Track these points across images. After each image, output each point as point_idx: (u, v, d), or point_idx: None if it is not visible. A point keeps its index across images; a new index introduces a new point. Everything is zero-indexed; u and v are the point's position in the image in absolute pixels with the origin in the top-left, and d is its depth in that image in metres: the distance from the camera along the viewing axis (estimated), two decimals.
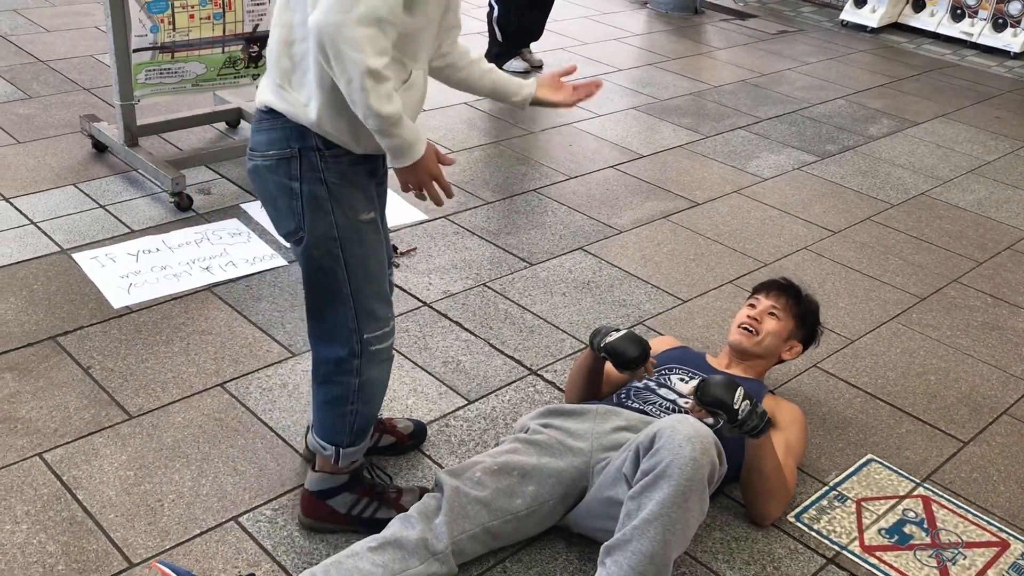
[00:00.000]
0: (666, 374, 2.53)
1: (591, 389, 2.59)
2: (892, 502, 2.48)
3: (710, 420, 2.20)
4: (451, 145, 4.36)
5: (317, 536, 2.19)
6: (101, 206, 3.53)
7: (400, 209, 3.67)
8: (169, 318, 2.94)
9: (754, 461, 2.30)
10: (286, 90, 1.88)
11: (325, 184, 1.89)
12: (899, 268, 3.67)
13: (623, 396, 2.46)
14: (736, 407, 2.15)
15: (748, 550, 2.28)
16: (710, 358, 2.66)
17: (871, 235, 3.92)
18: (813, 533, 2.35)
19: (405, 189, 1.96)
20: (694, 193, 4.14)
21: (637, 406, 2.39)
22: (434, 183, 1.96)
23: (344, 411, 2.09)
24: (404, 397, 2.68)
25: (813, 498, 2.46)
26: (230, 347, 2.82)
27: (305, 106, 1.85)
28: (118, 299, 2.99)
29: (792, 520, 2.38)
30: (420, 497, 2.17)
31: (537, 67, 5.48)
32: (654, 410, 2.37)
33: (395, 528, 2.07)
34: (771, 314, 2.63)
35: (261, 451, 2.43)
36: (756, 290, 2.74)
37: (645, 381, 2.51)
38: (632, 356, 2.39)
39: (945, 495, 2.51)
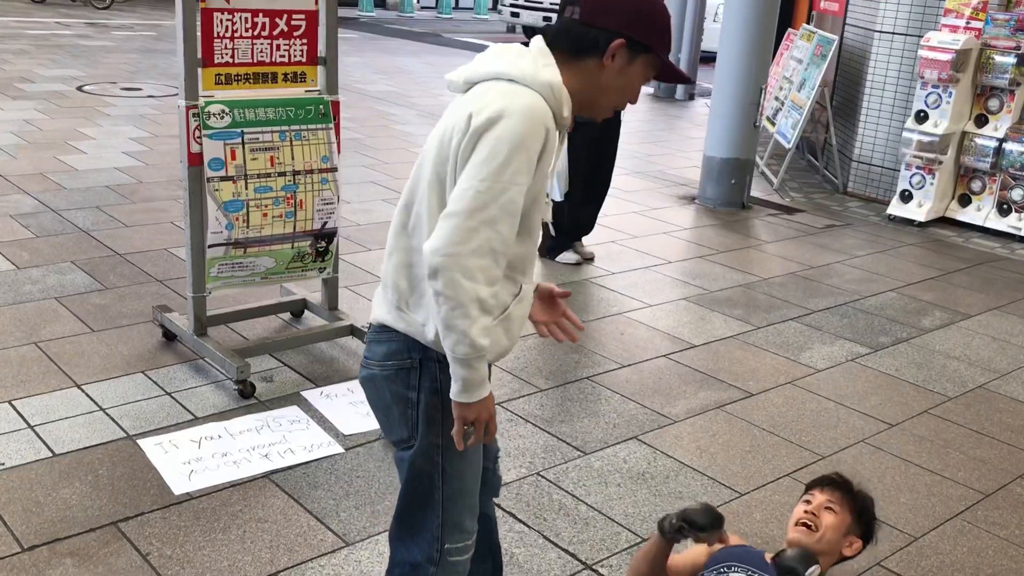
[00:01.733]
0: (725, 571, 2.48)
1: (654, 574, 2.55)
2: None
3: None
4: None
5: None
6: (168, 393, 3.64)
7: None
8: (227, 505, 2.97)
9: None
10: (403, 311, 1.96)
11: (440, 395, 1.93)
12: (960, 463, 3.60)
13: None
14: (805, 572, 2.21)
15: None
16: (768, 557, 2.61)
17: (929, 428, 3.87)
18: None
19: (458, 426, 1.91)
20: (747, 383, 4.15)
21: None
22: (491, 422, 1.95)
23: None
24: None
25: None
26: (285, 535, 2.84)
27: (423, 326, 1.92)
28: (179, 485, 3.04)
29: None
30: None
31: (589, 259, 5.65)
32: None
33: None
34: (828, 508, 2.59)
35: None
36: (810, 486, 2.71)
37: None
38: (708, 521, 2.43)
39: None
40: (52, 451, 3.20)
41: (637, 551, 2.60)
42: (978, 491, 3.41)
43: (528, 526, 2.98)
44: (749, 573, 2.46)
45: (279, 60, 3.75)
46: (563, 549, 2.88)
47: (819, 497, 2.63)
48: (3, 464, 3.10)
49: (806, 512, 2.60)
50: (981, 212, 7.02)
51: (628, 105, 2.02)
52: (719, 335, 4.70)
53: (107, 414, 3.46)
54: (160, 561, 2.68)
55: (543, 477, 3.26)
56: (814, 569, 2.21)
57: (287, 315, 4.43)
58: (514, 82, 1.85)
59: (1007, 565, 2.98)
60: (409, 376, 1.95)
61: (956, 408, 4.08)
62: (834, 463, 3.50)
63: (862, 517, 2.64)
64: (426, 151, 1.95)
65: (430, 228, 1.85)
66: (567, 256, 5.59)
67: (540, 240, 2.07)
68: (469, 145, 1.80)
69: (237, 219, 3.66)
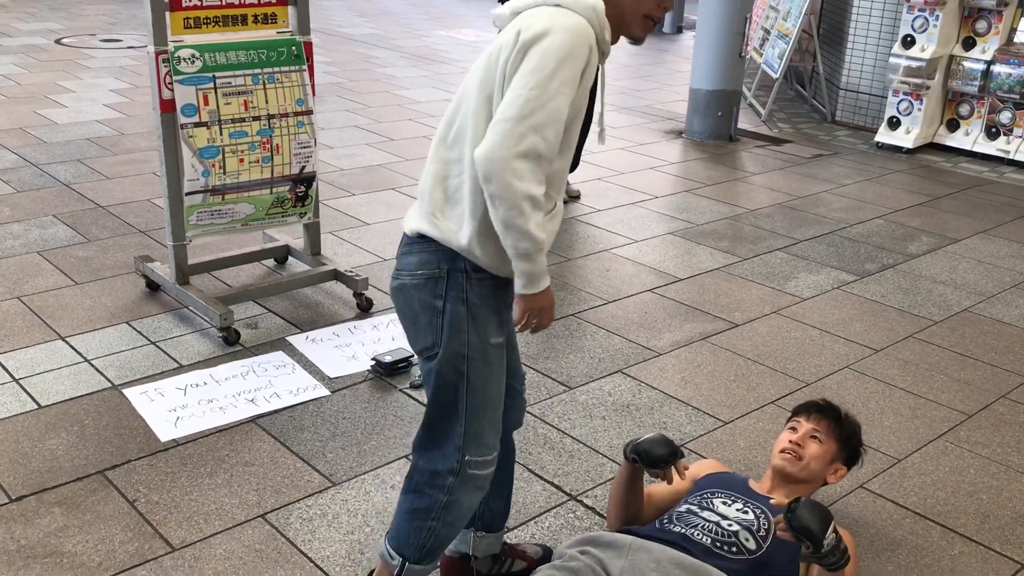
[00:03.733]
0: (708, 497, 2.50)
1: (631, 508, 2.57)
2: None
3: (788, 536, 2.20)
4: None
5: None
6: (152, 342, 3.65)
7: None
8: (214, 450, 2.99)
9: None
10: (438, 218, 2.04)
11: (466, 304, 2.03)
12: (944, 385, 3.62)
13: (665, 520, 2.43)
14: (824, 540, 2.14)
15: None
16: (753, 483, 2.63)
17: (914, 353, 3.88)
18: None
19: (520, 317, 2.05)
20: (733, 314, 4.16)
21: (679, 530, 2.36)
22: (550, 311, 2.08)
23: (423, 525, 2.13)
24: None
25: None
26: (272, 478, 2.86)
27: (456, 232, 2.01)
28: (165, 432, 3.06)
29: None
30: None
31: (574, 197, 5.62)
32: (696, 533, 2.34)
33: None
34: (813, 438, 2.60)
35: None
36: (796, 412, 2.72)
37: (687, 505, 2.49)
38: (660, 454, 2.44)
39: None
40: (38, 403, 3.21)
41: (615, 478, 2.62)
42: (961, 412, 3.43)
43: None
44: (733, 500, 2.48)
45: (249, 1, 3.68)
46: (548, 481, 2.91)
47: (805, 425, 2.64)
48: None
49: (791, 441, 2.61)
50: (969, 136, 6.98)
51: (662, 15, 2.09)
52: (705, 268, 4.70)
53: (92, 365, 3.46)
54: (147, 507, 2.70)
55: (528, 412, 3.28)
56: (832, 526, 2.14)
57: (271, 262, 4.42)
58: (560, 7, 1.93)
59: (987, 482, 3.01)
60: (437, 285, 2.02)
61: (941, 332, 4.09)
62: (818, 389, 3.52)
63: (848, 444, 2.66)
64: (472, 71, 2.03)
65: (474, 141, 1.94)
66: None
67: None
68: (518, 58, 1.89)
69: (213, 165, 3.63)
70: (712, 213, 5.54)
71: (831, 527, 2.16)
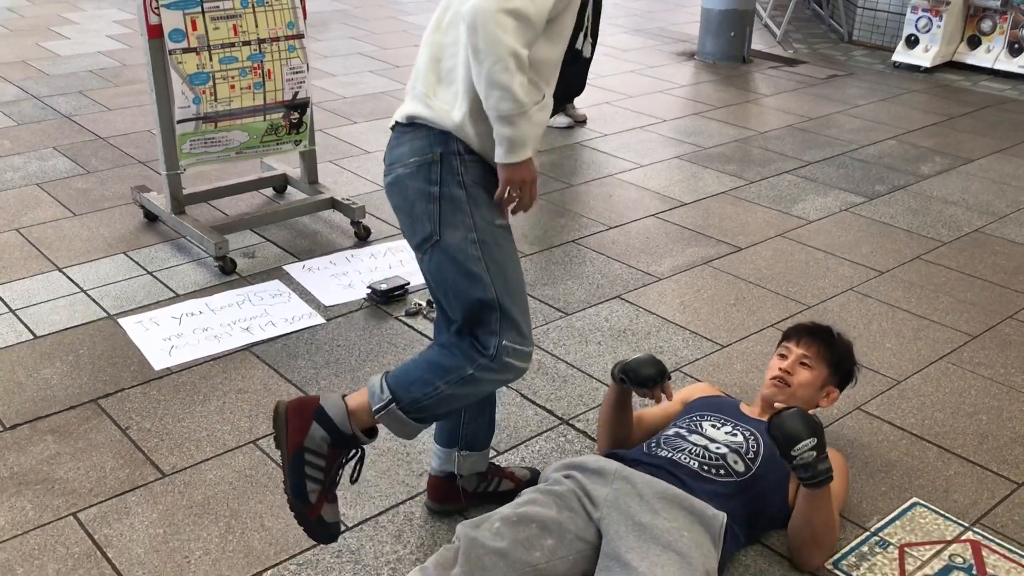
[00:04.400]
0: (697, 420, 2.48)
1: (620, 430, 2.56)
2: (938, 547, 2.37)
3: None
4: None
5: None
6: (149, 272, 3.64)
7: None
8: (208, 378, 2.99)
9: (806, 511, 2.23)
10: (431, 99, 2.00)
11: (464, 187, 1.97)
12: (950, 306, 3.56)
13: (653, 444, 2.41)
14: (794, 453, 2.14)
15: None
16: (744, 407, 2.60)
17: (920, 274, 3.81)
18: None
19: (503, 189, 1.99)
20: (736, 238, 4.09)
21: (666, 454, 2.34)
22: (533, 184, 2.03)
23: (434, 381, 2.03)
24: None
25: (853, 544, 2.37)
26: (265, 404, 2.86)
27: (449, 111, 1.96)
28: (159, 361, 3.06)
29: (830, 567, 2.29)
30: (334, 524, 2.11)
31: (580, 122, 5.52)
32: (684, 457, 2.32)
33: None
34: (803, 364, 2.56)
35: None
36: (786, 337, 2.67)
37: (675, 428, 2.47)
38: (648, 374, 2.44)
39: (997, 539, 2.40)
40: (33, 333, 3.22)
41: (604, 400, 2.60)
42: (965, 333, 3.37)
43: (506, 385, 2.98)
44: (722, 423, 2.45)
45: None
46: (540, 406, 2.89)
47: (795, 351, 2.59)
48: None
49: (780, 369, 2.57)
50: (991, 53, 6.77)
51: None
52: (711, 192, 4.61)
53: (88, 295, 3.46)
54: (139, 434, 2.72)
55: None
56: (810, 443, 2.12)
57: (270, 191, 4.38)
58: None
59: (988, 403, 2.97)
60: (431, 170, 1.97)
61: (949, 253, 4.01)
62: (820, 312, 3.47)
63: (840, 367, 2.61)
64: None
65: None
66: (558, 119, 5.46)
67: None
68: None
69: (204, 92, 3.57)
70: (721, 136, 5.43)
71: (811, 442, 2.14)
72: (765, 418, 2.52)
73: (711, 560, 2.09)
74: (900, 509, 2.50)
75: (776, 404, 2.48)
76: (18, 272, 3.62)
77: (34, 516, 2.40)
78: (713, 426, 2.45)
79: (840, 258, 3.94)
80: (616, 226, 4.19)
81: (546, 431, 2.77)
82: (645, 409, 2.69)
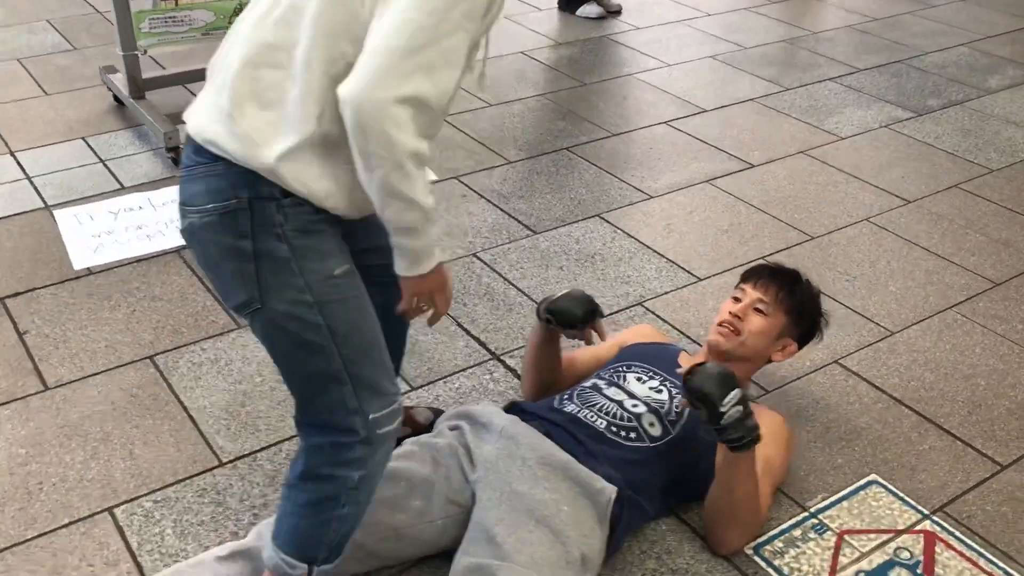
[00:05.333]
0: (623, 371, 2.17)
1: (545, 373, 2.27)
2: (884, 537, 2.04)
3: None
4: (491, 99, 4.03)
5: (189, 535, 1.97)
6: (102, 161, 3.42)
7: None
8: (125, 282, 2.78)
9: (727, 479, 1.92)
10: (236, 120, 1.47)
11: (285, 240, 1.51)
12: (978, 246, 3.11)
13: (565, 397, 2.11)
14: (722, 409, 1.82)
15: None
16: (685, 357, 2.27)
17: (953, 206, 3.35)
18: (770, 571, 1.95)
19: (407, 303, 1.64)
20: (751, 154, 3.67)
21: (571, 410, 2.04)
22: (444, 293, 1.67)
23: (331, 516, 1.64)
24: None
25: (785, 525, 2.05)
26: (176, 316, 2.64)
27: (259, 146, 1.46)
28: (81, 260, 2.86)
29: (749, 552, 1.99)
30: None
31: (614, 12, 5.05)
32: (591, 415, 2.02)
33: (253, 536, 1.83)
34: (757, 310, 2.20)
35: (165, 434, 2.24)
36: (743, 278, 2.30)
37: (595, 379, 2.17)
38: (575, 314, 2.12)
39: (957, 532, 2.05)
40: None
41: (528, 340, 2.31)
42: (987, 279, 2.94)
43: None
44: (650, 376, 2.13)
45: None
46: (474, 337, 2.61)
47: (750, 294, 2.23)
48: None
49: (731, 313, 2.22)
50: None
51: None
52: (738, 98, 4.16)
53: (32, 183, 3.27)
54: (36, 340, 2.53)
55: (478, 258, 2.95)
56: (735, 395, 1.82)
57: None
58: None
59: (991, 365, 2.57)
60: (237, 221, 1.49)
61: (995, 183, 3.52)
62: (822, 245, 3.07)
63: (801, 318, 2.25)
64: None
65: (323, 30, 1.44)
66: (589, 9, 5.00)
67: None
68: None
69: None
70: (766, 35, 4.90)
71: (736, 396, 1.82)
72: None
73: (592, 540, 1.81)
74: (852, 487, 2.16)
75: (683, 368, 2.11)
76: None
77: None
78: (639, 379, 2.13)
79: (864, 182, 3.49)
80: (620, 133, 3.80)
81: (473, 366, 2.49)
82: (578, 351, 2.38)
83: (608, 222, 3.17)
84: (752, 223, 3.20)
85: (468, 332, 2.62)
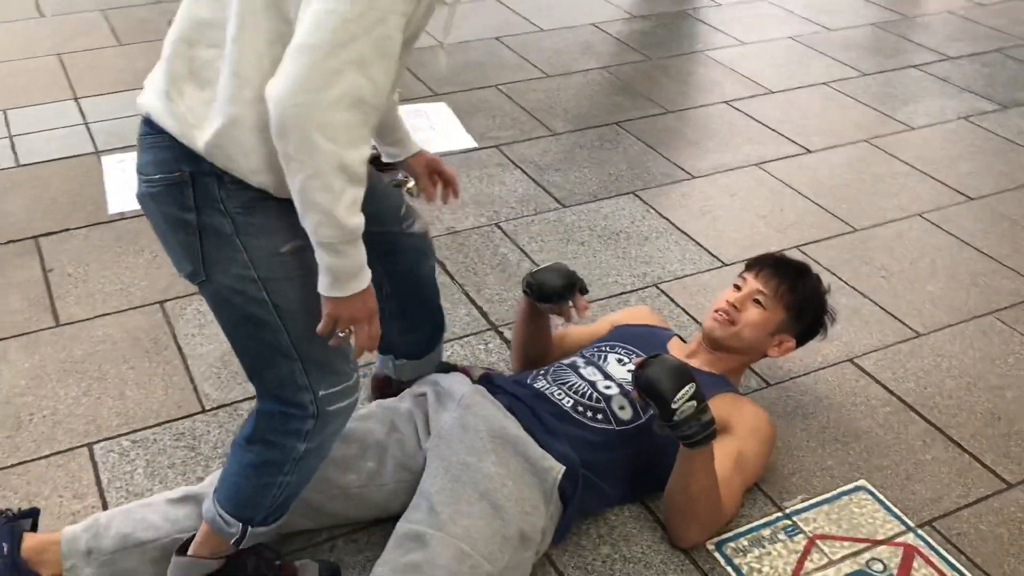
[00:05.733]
0: (605, 351, 2.11)
1: (532, 347, 2.24)
2: (860, 546, 1.94)
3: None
4: (551, 69, 3.97)
5: (157, 476, 2.02)
6: None
7: (450, 134, 3.39)
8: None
9: (682, 474, 1.85)
10: (175, 100, 1.44)
11: (228, 215, 1.47)
12: None
13: (541, 372, 2.07)
14: (674, 406, 1.73)
15: None
16: (676, 343, 2.19)
17: (1022, 206, 3.13)
18: (729, 569, 1.87)
19: (323, 326, 1.50)
20: (810, 139, 3.51)
21: (540, 386, 2.00)
22: (369, 324, 1.53)
23: (272, 481, 1.63)
24: None
25: (755, 524, 1.97)
26: None
27: (194, 126, 1.43)
28: (116, 204, 2.95)
29: (710, 547, 1.92)
30: (321, 571, 1.79)
31: None
32: (559, 393, 1.97)
33: (207, 483, 1.85)
34: (756, 301, 2.11)
35: (157, 377, 2.30)
36: (747, 266, 2.21)
37: (575, 357, 2.12)
38: (553, 287, 2.05)
39: (942, 548, 1.93)
40: (18, 161, 3.18)
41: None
42: None
43: (453, 278, 2.68)
44: (631, 359, 2.07)
45: None
46: (477, 306, 2.58)
47: (751, 284, 2.14)
48: None
49: (728, 302, 2.13)
50: None
51: None
52: (809, 81, 3.98)
53: (88, 129, 3.39)
54: (58, 278, 2.63)
55: (500, 228, 2.92)
56: (688, 390, 1.74)
57: None
58: None
59: (1022, 377, 2.40)
60: (182, 193, 1.46)
61: None
62: (863, 238, 2.92)
63: (802, 314, 2.14)
64: None
65: (242, 16, 1.37)
66: None
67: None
68: None
69: None
70: (856, 17, 4.68)
71: (689, 392, 1.74)
72: (693, 360, 2.12)
73: (534, 517, 1.77)
74: (837, 491, 2.06)
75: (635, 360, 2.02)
76: (36, 97, 3.59)
77: None
78: (619, 360, 2.07)
79: (925, 175, 3.30)
80: (676, 110, 3.69)
81: (469, 335, 2.47)
82: (573, 328, 2.33)
83: (642, 200, 3.09)
84: (794, 210, 3.07)
85: (472, 300, 2.60)
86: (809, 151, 3.43)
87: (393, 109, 1.85)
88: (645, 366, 1.79)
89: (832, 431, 2.21)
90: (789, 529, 1.96)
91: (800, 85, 3.94)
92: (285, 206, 1.46)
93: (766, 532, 1.96)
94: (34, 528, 1.83)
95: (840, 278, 2.73)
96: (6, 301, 2.54)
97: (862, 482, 2.08)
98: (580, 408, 1.94)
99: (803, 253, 2.84)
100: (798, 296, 2.12)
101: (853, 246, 2.89)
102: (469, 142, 3.38)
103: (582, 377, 2.02)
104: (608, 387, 1.99)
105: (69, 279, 2.63)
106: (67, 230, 2.83)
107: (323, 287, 1.46)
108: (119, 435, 2.13)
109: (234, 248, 1.48)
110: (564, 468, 1.81)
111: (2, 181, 3.07)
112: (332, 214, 1.36)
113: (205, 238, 1.48)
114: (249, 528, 1.67)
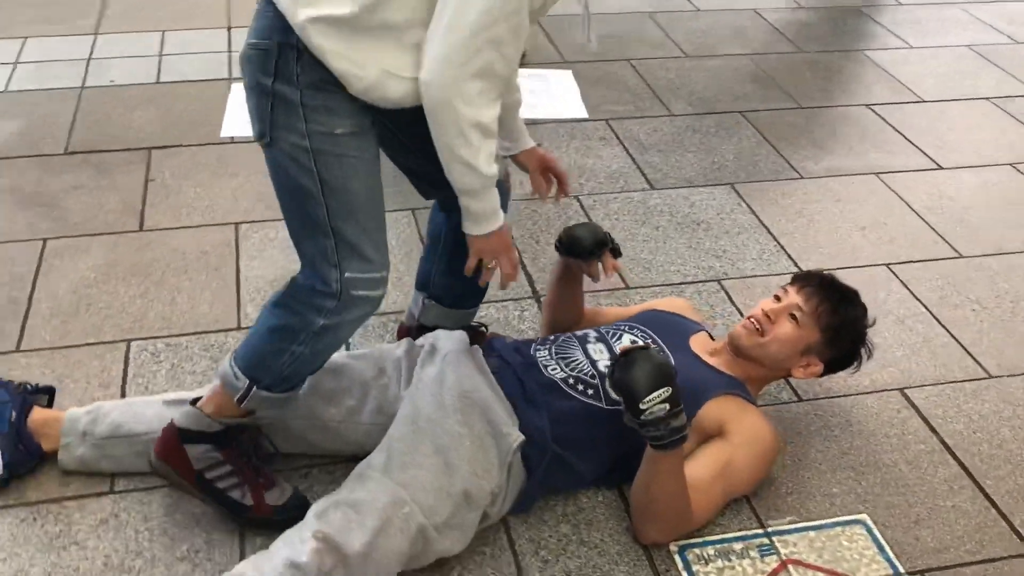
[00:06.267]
0: (621, 330, 2.06)
1: (561, 312, 2.24)
2: None
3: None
4: (692, 50, 3.86)
5: (176, 380, 2.16)
6: None
7: (564, 102, 3.38)
8: (253, 156, 2.99)
9: (644, 474, 1.80)
10: None
11: (299, 88, 1.60)
12: None
13: (547, 340, 2.05)
14: (642, 406, 1.68)
15: (582, 560, 1.82)
16: (702, 338, 2.11)
17: None
18: (684, 575, 1.81)
19: (471, 262, 1.79)
20: (947, 155, 3.26)
21: (539, 356, 1.97)
22: (507, 256, 1.80)
23: (286, 348, 1.73)
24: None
25: (729, 535, 1.89)
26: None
27: (297, 3, 1.54)
28: (229, 128, 3.13)
29: (674, 550, 1.85)
30: (289, 498, 1.85)
31: None
32: (553, 365, 1.94)
33: (205, 390, 1.96)
34: (791, 316, 2.00)
35: (209, 292, 2.44)
36: (793, 279, 2.10)
37: (587, 331, 2.08)
38: (585, 242, 2.07)
39: None
40: (158, 79, 3.43)
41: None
42: None
43: (513, 241, 2.68)
44: (642, 342, 2.01)
45: None
46: (527, 273, 2.58)
47: (791, 297, 2.03)
48: (112, 81, 3.40)
49: (763, 311, 2.03)
50: None
51: None
52: (971, 94, 3.69)
53: (229, 57, 3.60)
54: (156, 188, 2.83)
55: (579, 201, 2.89)
56: (662, 392, 1.67)
57: None
58: None
59: None
60: (267, 60, 1.60)
61: None
62: (967, 266, 2.70)
63: (836, 339, 2.01)
64: None
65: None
66: None
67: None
68: None
69: None
70: None
71: (664, 392, 1.68)
72: (713, 359, 2.04)
73: (485, 481, 1.77)
74: (831, 520, 1.93)
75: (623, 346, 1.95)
76: (196, 23, 3.84)
77: (11, 230, 2.62)
78: (633, 341, 2.02)
79: None
80: (809, 107, 3.51)
81: (508, 300, 2.48)
82: (611, 308, 2.31)
83: (737, 193, 2.97)
84: (900, 226, 2.87)
85: (524, 266, 2.60)
86: (940, 167, 3.18)
87: (513, 106, 1.96)
88: (626, 356, 1.73)
89: (850, 458, 2.07)
90: (764, 548, 1.87)
91: (959, 97, 3.65)
92: (350, 98, 1.63)
93: (738, 546, 1.87)
94: (50, 404, 2.01)
95: (923, 303, 2.54)
96: (105, 201, 2.76)
97: (863, 516, 1.95)
98: (571, 381, 1.91)
99: (891, 271, 2.65)
100: (837, 319, 2.00)
101: (952, 273, 2.67)
102: (580, 112, 3.35)
103: (586, 353, 1.98)
104: (608, 365, 1.95)
105: (164, 190, 2.83)
106: (179, 146, 3.04)
107: (467, 228, 1.74)
108: (157, 337, 2.28)
109: (296, 117, 1.62)
110: (523, 438, 1.80)
111: (139, 94, 3.32)
112: (472, 164, 1.61)
113: (276, 103, 1.63)
114: (255, 388, 1.75)
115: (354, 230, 1.68)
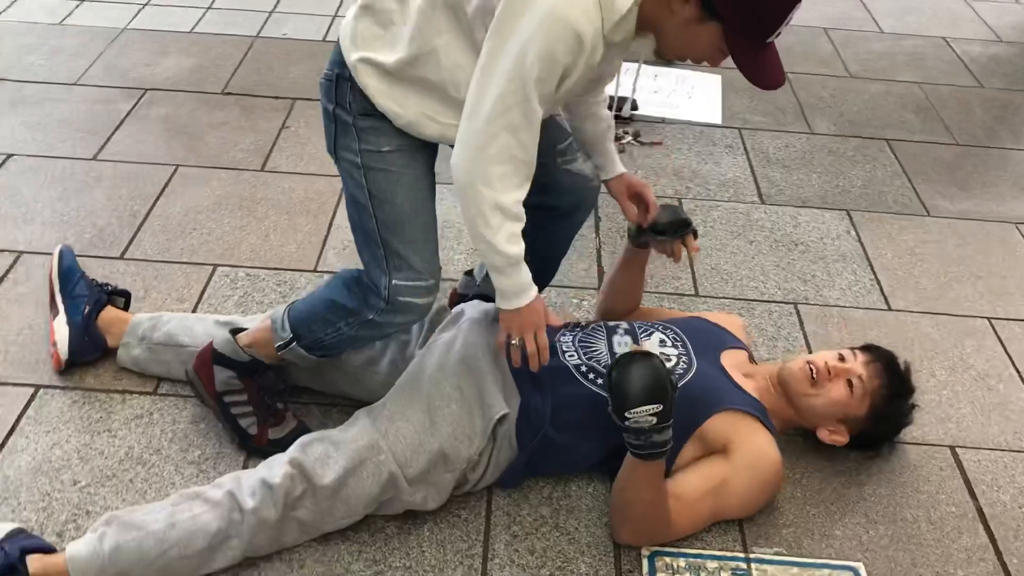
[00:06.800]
0: (656, 329, 2.05)
1: (616, 296, 2.26)
2: None
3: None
4: (859, 71, 3.70)
5: (242, 308, 2.35)
6: None
7: (701, 106, 3.34)
8: None
9: (622, 476, 1.81)
10: (357, 18, 1.75)
11: (351, 113, 1.78)
12: None
13: (577, 328, 2.07)
14: (628, 415, 1.69)
15: (550, 543, 1.85)
16: (737, 355, 2.06)
17: None
18: None
19: (500, 337, 1.81)
20: None
21: (562, 343, 1.99)
22: (534, 335, 1.78)
23: (335, 322, 1.89)
24: (461, 255, 2.61)
25: (707, 552, 1.86)
26: None
27: (355, 43, 1.73)
28: None
29: (644, 553, 1.84)
30: (288, 433, 1.98)
31: None
32: (572, 353, 1.96)
33: (257, 318, 2.14)
34: (849, 382, 1.94)
35: (301, 234, 2.63)
36: (864, 348, 2.04)
37: (620, 323, 2.08)
38: (666, 221, 2.06)
39: None
40: (324, 38, 3.67)
41: None
42: None
43: (597, 232, 2.71)
44: (675, 344, 2.00)
45: None
46: (600, 266, 2.59)
47: (857, 364, 1.97)
48: (285, 34, 3.67)
49: (826, 364, 1.97)
50: None
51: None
52: None
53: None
54: (287, 135, 3.05)
55: (679, 203, 2.86)
56: (653, 408, 1.66)
57: None
58: None
59: None
60: (329, 88, 1.81)
61: None
62: None
63: (875, 425, 1.97)
64: None
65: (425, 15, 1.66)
66: None
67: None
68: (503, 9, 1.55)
69: None
70: None
71: (655, 407, 1.67)
72: (747, 383, 1.99)
73: (463, 446, 1.83)
74: (821, 561, 1.86)
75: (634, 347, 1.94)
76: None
77: (153, 153, 2.91)
78: (662, 341, 2.01)
79: None
80: (967, 145, 3.30)
81: (573, 287, 2.51)
82: (663, 308, 2.31)
83: (851, 220, 2.85)
84: (1014, 279, 2.66)
85: (599, 259, 2.62)
86: None
87: (604, 134, 2.04)
88: (631, 358, 1.72)
89: (867, 505, 1.98)
90: (739, 572, 1.83)
91: None
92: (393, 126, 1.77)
93: (711, 565, 1.84)
94: (126, 307, 2.25)
95: (1015, 364, 2.36)
96: (240, 140, 3.01)
97: (858, 565, 1.86)
98: (584, 369, 1.93)
99: (991, 325, 2.48)
100: (888, 409, 1.97)
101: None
102: (715, 118, 3.30)
103: (609, 345, 1.99)
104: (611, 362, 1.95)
105: (295, 138, 3.04)
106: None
107: (497, 301, 1.78)
108: (240, 266, 2.49)
109: (351, 138, 1.80)
110: (506, 411, 1.84)
111: (304, 49, 3.58)
112: (492, 243, 1.66)
113: (337, 126, 1.83)
114: (295, 343, 1.92)
115: (400, 241, 1.80)
